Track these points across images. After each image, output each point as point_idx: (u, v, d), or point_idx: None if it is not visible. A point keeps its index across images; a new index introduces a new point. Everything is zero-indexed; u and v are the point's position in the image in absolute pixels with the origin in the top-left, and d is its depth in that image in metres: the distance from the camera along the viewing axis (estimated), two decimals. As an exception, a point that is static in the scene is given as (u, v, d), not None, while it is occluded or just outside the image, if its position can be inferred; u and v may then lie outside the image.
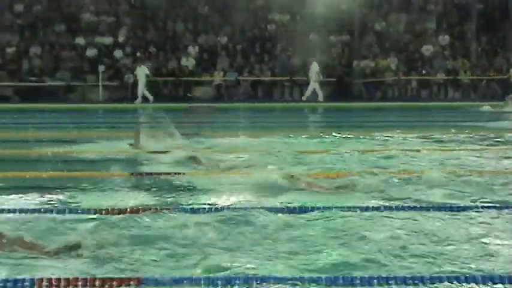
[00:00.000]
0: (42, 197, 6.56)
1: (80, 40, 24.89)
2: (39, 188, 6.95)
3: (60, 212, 5.74)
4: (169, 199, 6.32)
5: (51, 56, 24.04)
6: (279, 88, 23.28)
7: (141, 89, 21.97)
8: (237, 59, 24.39)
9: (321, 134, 11.92)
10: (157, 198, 6.39)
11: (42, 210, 5.88)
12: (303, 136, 11.86)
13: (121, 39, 25.06)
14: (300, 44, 25.15)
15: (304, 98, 22.64)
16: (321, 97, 22.46)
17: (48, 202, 6.30)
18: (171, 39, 25.42)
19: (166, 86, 23.80)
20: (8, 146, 10.78)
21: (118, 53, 24.10)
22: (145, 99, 21.99)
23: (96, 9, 26.84)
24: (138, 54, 24.29)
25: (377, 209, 5.76)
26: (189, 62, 24.19)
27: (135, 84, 22.32)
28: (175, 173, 7.66)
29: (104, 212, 5.58)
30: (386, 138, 11.41)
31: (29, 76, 23.18)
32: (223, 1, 26.93)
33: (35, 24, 25.79)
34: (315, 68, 22.47)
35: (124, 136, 11.11)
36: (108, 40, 25.09)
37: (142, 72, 21.98)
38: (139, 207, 5.76)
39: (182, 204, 5.98)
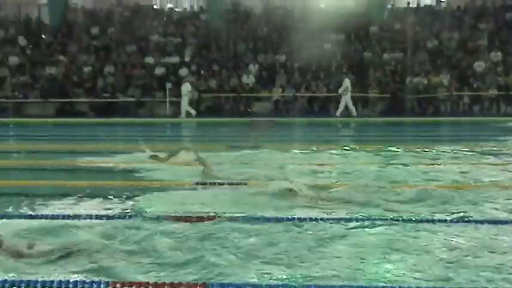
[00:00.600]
0: (117, 204, 6.74)
1: (149, 59, 25.48)
2: (115, 196, 7.11)
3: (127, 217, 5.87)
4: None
5: (123, 74, 24.67)
6: (334, 104, 23.10)
7: (184, 104, 22.14)
8: (295, 76, 24.40)
9: (376, 148, 11.74)
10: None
11: (119, 216, 6.03)
12: (359, 149, 11.72)
13: (187, 58, 25.50)
14: (354, 61, 24.98)
15: (337, 114, 22.08)
16: (353, 112, 21.93)
17: (124, 209, 6.45)
18: (233, 58, 25.68)
19: (228, 101, 24.04)
20: (86, 156, 11.09)
21: (184, 71, 24.52)
22: (188, 114, 22.17)
23: (164, 31, 27.45)
24: (202, 72, 24.66)
25: (430, 221, 5.65)
26: (249, 79, 24.37)
27: (194, 100, 22.58)
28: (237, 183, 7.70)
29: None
30: (439, 152, 11.15)
31: (103, 93, 23.84)
32: (281, 23, 27.07)
33: (109, 45, 26.57)
34: (346, 83, 22.04)
35: (186, 148, 11.31)
36: (174, 59, 25.57)
37: (185, 88, 22.22)
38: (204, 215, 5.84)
39: (244, 213, 5.99)
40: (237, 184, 7.66)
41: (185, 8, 31.41)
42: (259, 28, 27.34)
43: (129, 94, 23.75)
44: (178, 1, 32.74)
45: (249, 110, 23.46)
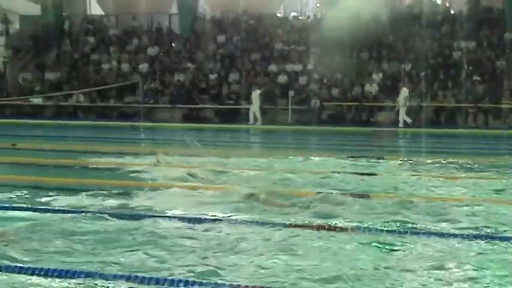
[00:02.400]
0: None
1: (273, 67, 25.90)
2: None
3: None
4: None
5: (247, 82, 25.26)
6: (463, 114, 22.09)
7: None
8: (420, 86, 23.65)
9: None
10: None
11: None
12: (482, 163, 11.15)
13: (309, 66, 25.61)
14: (486, 70, 23.74)
15: (400, 125, 21.65)
16: (409, 122, 21.56)
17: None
18: (356, 66, 25.40)
19: (350, 110, 23.82)
20: (208, 161, 11.44)
21: (306, 80, 24.63)
22: (255, 120, 22.63)
23: (287, 39, 27.77)
24: (325, 80, 24.63)
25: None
26: (372, 88, 23.98)
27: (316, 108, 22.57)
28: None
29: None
30: None
31: (227, 100, 24.57)
32: (407, 30, 26.35)
33: (234, 53, 27.35)
34: (403, 93, 21.51)
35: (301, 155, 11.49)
36: (297, 67, 25.78)
37: (256, 95, 22.59)
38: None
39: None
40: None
41: (308, 16, 31.57)
42: (384, 36, 26.80)
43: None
44: (302, 9, 32.97)
45: (372, 120, 23.07)
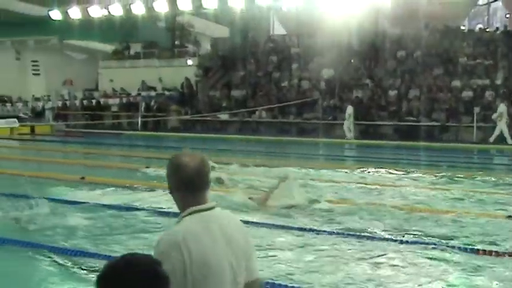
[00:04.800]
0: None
1: (456, 82, 24.62)
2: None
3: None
4: None
5: (429, 97, 24.31)
6: None
7: (347, 124, 22.74)
8: None
9: None
10: None
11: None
12: None
13: (498, 81, 23.91)
14: None
15: (491, 140, 20.35)
16: (509, 140, 20.00)
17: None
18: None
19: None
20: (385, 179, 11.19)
21: (493, 95, 23.02)
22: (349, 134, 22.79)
23: (473, 53, 26.25)
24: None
25: None
26: None
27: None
28: None
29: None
30: None
31: (407, 116, 23.86)
32: None
33: (415, 68, 26.52)
34: (501, 109, 20.17)
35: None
36: (483, 82, 24.22)
37: (349, 111, 22.71)
38: None
39: None
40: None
41: (497, 28, 29.56)
42: None
43: (434, 118, 23.29)
44: (490, 21, 31.00)
45: None
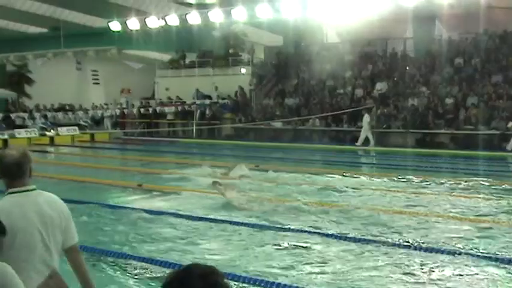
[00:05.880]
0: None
1: (517, 90, 23.84)
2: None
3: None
4: None
5: (487, 105, 23.62)
6: None
7: (365, 132, 23.36)
8: None
9: None
10: None
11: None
12: None
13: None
14: None
15: (508, 148, 19.89)
16: None
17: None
18: None
19: None
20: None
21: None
22: (368, 142, 23.18)
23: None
24: None
25: None
26: None
27: None
28: None
29: None
30: None
31: (464, 124, 23.25)
32: None
33: (473, 76, 25.84)
34: None
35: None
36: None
37: (366, 119, 23.39)
38: None
39: None
40: None
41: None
42: None
43: (493, 126, 22.59)
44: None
45: None
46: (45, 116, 31.06)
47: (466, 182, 13.16)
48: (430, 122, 23.89)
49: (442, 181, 13.32)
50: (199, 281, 1.93)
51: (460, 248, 7.49)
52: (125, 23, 31.48)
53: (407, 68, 28.56)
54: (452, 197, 11.40)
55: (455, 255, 7.09)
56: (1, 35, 40.03)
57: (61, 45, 36.94)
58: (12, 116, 30.07)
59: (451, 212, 9.99)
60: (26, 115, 30.61)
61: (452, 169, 16.65)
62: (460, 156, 19.86)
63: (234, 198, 10.60)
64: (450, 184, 13.02)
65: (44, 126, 28.96)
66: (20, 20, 37.90)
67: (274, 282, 5.96)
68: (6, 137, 25.52)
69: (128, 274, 6.67)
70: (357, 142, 23.48)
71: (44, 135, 27.39)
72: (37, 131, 27.49)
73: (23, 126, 28.31)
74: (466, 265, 6.73)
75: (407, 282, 6.21)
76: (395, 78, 27.86)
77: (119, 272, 6.76)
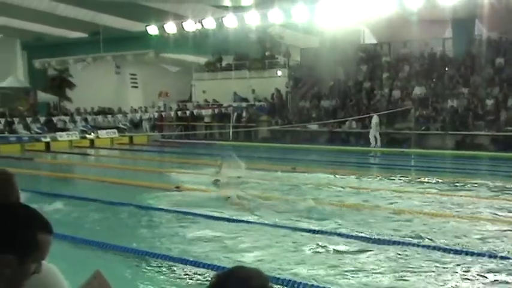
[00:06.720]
0: None
1: (560, 90, 23.16)
2: None
3: None
4: None
5: (529, 106, 23.05)
6: None
7: (373, 133, 24.10)
8: None
9: None
10: None
11: None
12: None
13: None
14: None
15: None
16: None
17: None
18: None
19: None
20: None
21: None
22: (376, 143, 23.84)
23: None
24: None
25: None
26: None
27: None
28: None
29: None
30: None
31: (506, 126, 22.72)
32: None
33: (515, 76, 25.26)
34: None
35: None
36: None
37: (375, 121, 24.04)
38: None
39: None
40: None
41: None
42: None
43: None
44: None
45: None
46: (85, 119, 31.64)
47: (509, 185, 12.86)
48: (469, 123, 23.43)
49: (482, 183, 13.04)
50: (244, 284, 1.90)
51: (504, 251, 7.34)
52: (163, 27, 31.82)
53: (447, 68, 28.06)
54: (494, 199, 11.15)
55: (496, 258, 6.95)
56: (43, 40, 41.03)
57: (100, 49, 37.61)
58: (54, 119, 30.73)
59: (496, 214, 9.79)
60: (67, 118, 31.23)
61: (493, 171, 16.28)
62: (500, 159, 19.40)
63: (234, 196, 11.08)
64: (490, 187, 12.74)
65: (85, 129, 29.52)
66: (61, 26, 38.72)
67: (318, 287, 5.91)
68: (48, 140, 26.13)
69: (169, 276, 6.71)
70: (376, 143, 23.98)
71: (85, 138, 27.92)
72: (78, 134, 28.05)
73: (64, 130, 28.90)
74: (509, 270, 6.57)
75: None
76: (434, 80, 27.40)
77: (160, 274, 6.81)
